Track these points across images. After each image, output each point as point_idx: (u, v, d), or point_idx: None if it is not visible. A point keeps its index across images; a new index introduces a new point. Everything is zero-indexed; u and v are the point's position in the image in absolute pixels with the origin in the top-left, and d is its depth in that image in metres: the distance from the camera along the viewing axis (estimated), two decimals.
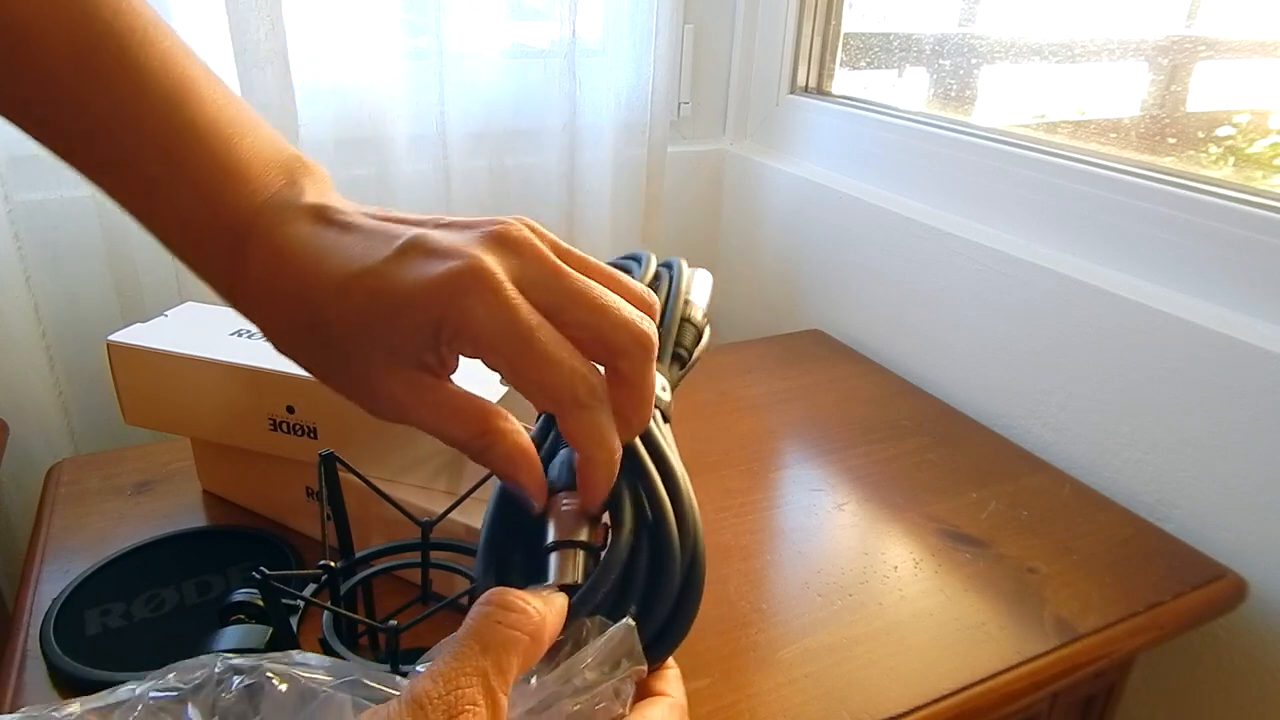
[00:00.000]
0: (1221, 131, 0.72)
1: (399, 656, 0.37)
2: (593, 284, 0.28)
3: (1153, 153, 0.76)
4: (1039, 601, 0.59)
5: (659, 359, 0.32)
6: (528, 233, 0.28)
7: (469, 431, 0.29)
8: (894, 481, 0.73)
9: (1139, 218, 0.73)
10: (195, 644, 0.40)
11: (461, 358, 0.30)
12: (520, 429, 0.30)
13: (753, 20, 1.16)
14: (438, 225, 0.29)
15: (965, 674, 0.53)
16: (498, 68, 0.97)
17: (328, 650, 0.40)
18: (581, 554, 0.30)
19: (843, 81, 1.11)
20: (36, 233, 0.84)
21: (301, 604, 0.42)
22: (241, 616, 0.42)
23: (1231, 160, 0.71)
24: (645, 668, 0.28)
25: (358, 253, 0.28)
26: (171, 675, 0.25)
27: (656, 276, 0.39)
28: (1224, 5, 0.73)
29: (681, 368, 0.37)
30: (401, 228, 0.29)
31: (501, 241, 0.28)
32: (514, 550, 0.32)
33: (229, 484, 0.67)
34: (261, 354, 0.59)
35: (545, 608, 0.26)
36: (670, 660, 0.31)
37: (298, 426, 0.58)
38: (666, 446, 0.32)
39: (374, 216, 0.30)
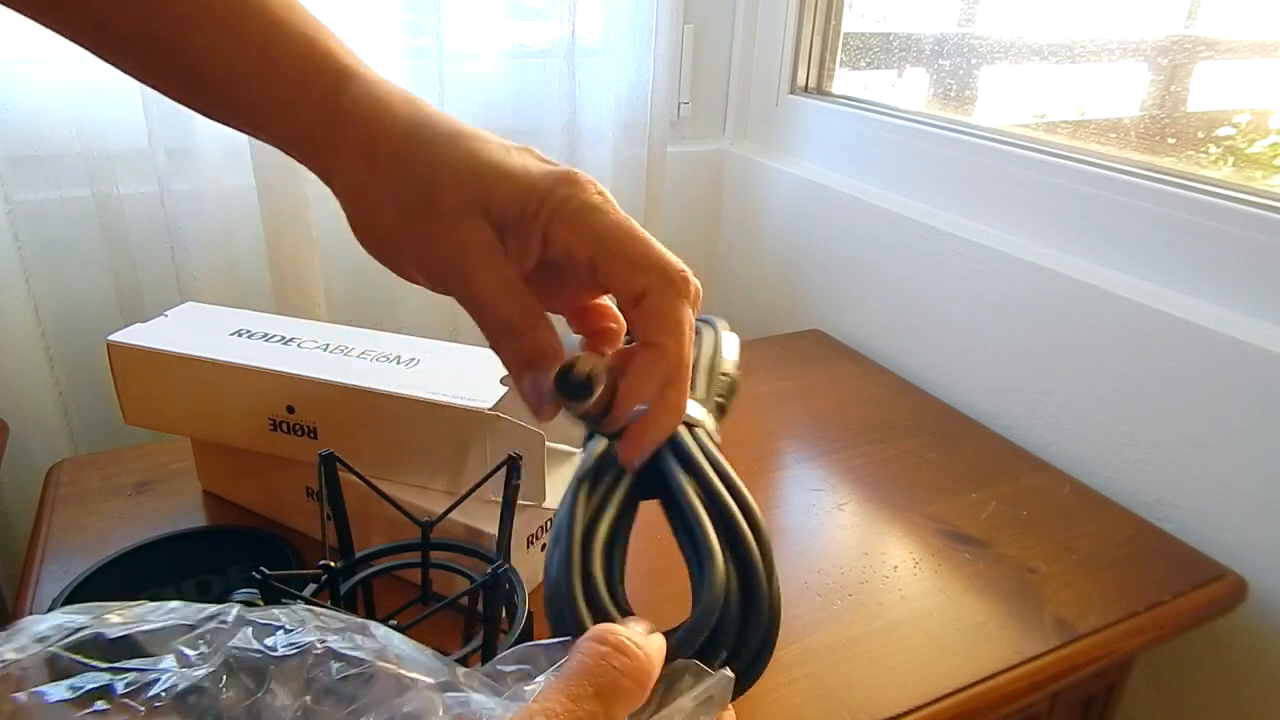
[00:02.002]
0: (1221, 131, 0.72)
1: None
2: None
3: (1152, 153, 0.76)
4: (1039, 601, 0.59)
5: (704, 404, 0.34)
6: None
7: (521, 305, 0.29)
8: (894, 481, 0.73)
9: (1139, 218, 0.73)
10: None
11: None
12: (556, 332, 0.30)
13: (753, 20, 1.16)
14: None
15: (965, 674, 0.53)
16: (498, 68, 0.97)
17: None
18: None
19: (843, 81, 1.11)
20: (36, 233, 0.84)
21: (301, 604, 0.42)
22: None
23: (1231, 160, 0.71)
24: (733, 715, 0.28)
25: (470, 125, 0.30)
26: (250, 631, 0.24)
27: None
28: (1224, 5, 0.73)
29: (720, 415, 0.38)
30: None
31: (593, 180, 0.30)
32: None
33: (229, 484, 0.67)
34: (261, 354, 0.59)
35: (653, 654, 0.26)
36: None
37: (298, 426, 0.58)
38: (744, 488, 0.33)
39: None
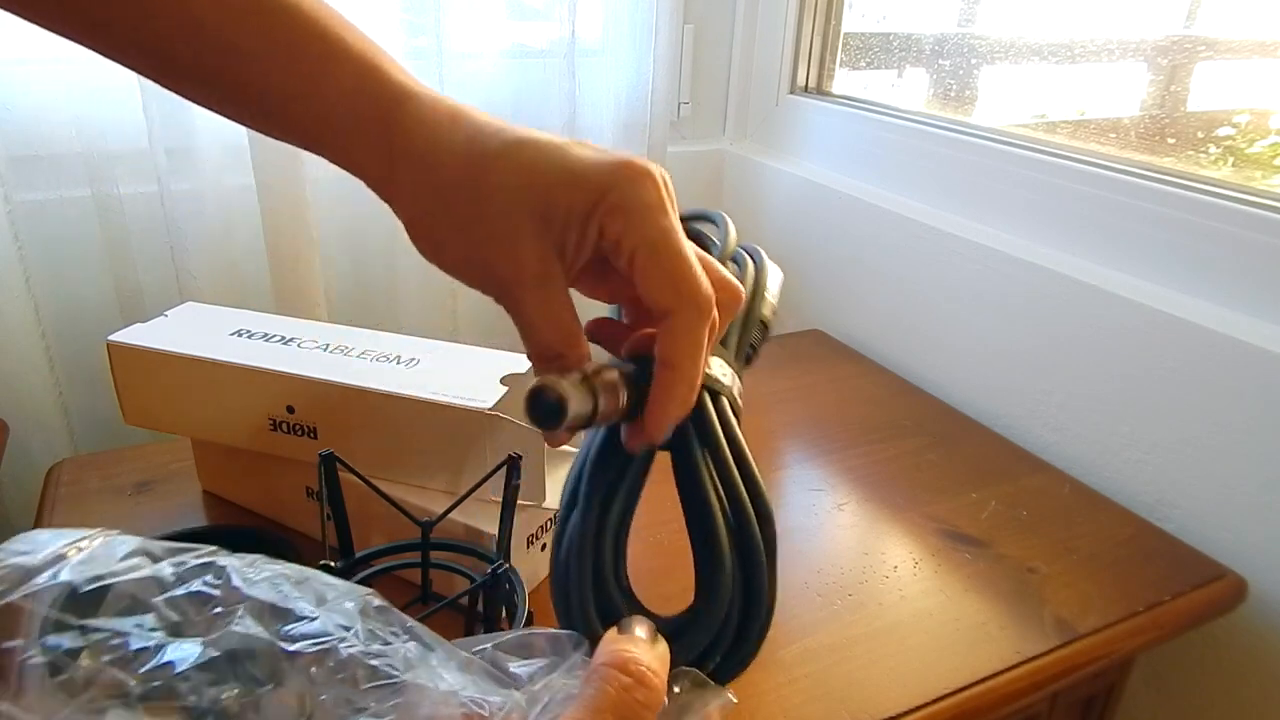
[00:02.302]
0: (1221, 131, 0.72)
1: None
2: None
3: (1152, 153, 0.76)
4: (1039, 601, 0.59)
5: (736, 355, 0.33)
6: (670, 183, 0.31)
7: (563, 332, 0.30)
8: (894, 481, 0.73)
9: (1139, 218, 0.73)
10: None
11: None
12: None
13: (753, 20, 1.16)
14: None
15: (965, 674, 0.53)
16: (498, 68, 0.97)
17: None
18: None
19: (843, 81, 1.11)
20: (36, 233, 0.84)
21: (318, 572, 0.42)
22: None
23: (1231, 160, 0.71)
24: None
25: (524, 130, 0.30)
26: (263, 612, 0.24)
27: (735, 260, 0.38)
28: (1224, 5, 0.73)
29: (745, 365, 0.37)
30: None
31: (659, 173, 0.30)
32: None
33: (229, 484, 0.67)
34: (261, 354, 0.59)
35: (663, 670, 0.26)
36: None
37: (298, 426, 0.58)
38: (758, 475, 0.33)
39: None
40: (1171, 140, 0.75)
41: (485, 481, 0.46)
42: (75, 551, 0.23)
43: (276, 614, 0.24)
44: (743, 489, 0.32)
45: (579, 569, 0.32)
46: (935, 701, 0.51)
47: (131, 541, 0.24)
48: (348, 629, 0.24)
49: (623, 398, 0.30)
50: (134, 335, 0.61)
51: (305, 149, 0.32)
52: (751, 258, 0.38)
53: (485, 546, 0.49)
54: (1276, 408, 0.62)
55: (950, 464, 0.76)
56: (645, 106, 1.06)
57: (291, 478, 0.61)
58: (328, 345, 0.60)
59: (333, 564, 0.42)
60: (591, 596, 0.31)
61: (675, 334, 0.30)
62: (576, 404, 0.28)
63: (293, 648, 0.23)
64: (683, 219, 0.32)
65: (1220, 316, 0.67)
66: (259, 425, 0.59)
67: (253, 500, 0.66)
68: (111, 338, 0.61)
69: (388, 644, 0.24)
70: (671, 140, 1.14)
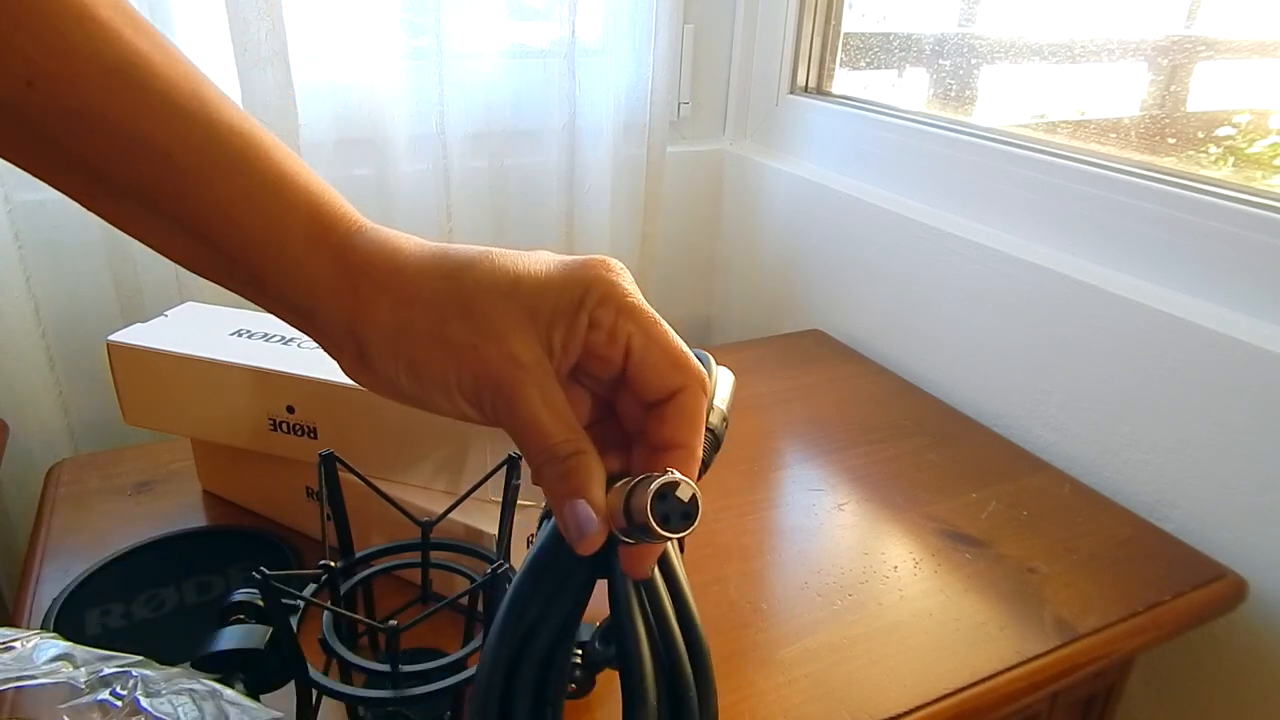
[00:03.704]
0: (1221, 131, 0.72)
1: (399, 656, 0.37)
2: None
3: (1153, 153, 0.76)
4: (1039, 601, 0.59)
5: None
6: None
7: (567, 429, 0.29)
8: (894, 481, 0.73)
9: (1139, 218, 0.73)
10: (195, 644, 0.40)
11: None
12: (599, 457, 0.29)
13: (753, 20, 1.16)
14: None
15: (965, 674, 0.53)
16: (498, 68, 0.97)
17: (328, 650, 0.40)
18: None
19: (843, 81, 1.11)
20: (36, 233, 0.84)
21: (301, 604, 0.42)
22: (241, 616, 0.42)
23: (1231, 160, 0.71)
24: None
25: (484, 247, 0.30)
26: None
27: None
28: (1224, 5, 0.73)
29: (697, 478, 0.36)
30: None
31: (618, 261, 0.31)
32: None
33: (229, 484, 0.67)
34: (261, 354, 0.59)
35: None
36: None
37: (298, 426, 0.58)
38: (694, 612, 0.30)
39: None
40: (1172, 140, 0.75)
41: (485, 481, 0.46)
42: (4, 650, 0.24)
43: None
44: (673, 621, 0.30)
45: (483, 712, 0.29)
46: (935, 701, 0.51)
47: (60, 646, 0.25)
48: None
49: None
50: (134, 335, 0.61)
51: (256, 295, 0.30)
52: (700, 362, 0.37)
53: (485, 546, 0.49)
54: (1276, 408, 0.62)
55: (950, 464, 0.76)
56: (645, 106, 1.06)
57: (291, 478, 0.61)
58: None
59: (333, 564, 0.42)
60: None
61: (685, 412, 0.29)
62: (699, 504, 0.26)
63: None
64: None
65: (1220, 316, 0.67)
66: (259, 425, 0.59)
67: (253, 500, 0.66)
68: (111, 338, 0.61)
69: None
70: (671, 140, 1.14)
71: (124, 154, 0.27)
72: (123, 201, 0.29)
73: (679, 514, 0.26)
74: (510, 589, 0.31)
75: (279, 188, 0.29)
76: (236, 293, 0.31)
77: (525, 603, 0.30)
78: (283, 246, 0.29)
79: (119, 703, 0.24)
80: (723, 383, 0.37)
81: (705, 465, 0.34)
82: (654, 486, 0.25)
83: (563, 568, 0.30)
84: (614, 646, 0.30)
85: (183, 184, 0.28)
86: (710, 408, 0.34)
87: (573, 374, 0.30)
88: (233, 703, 0.26)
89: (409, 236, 0.31)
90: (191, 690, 0.25)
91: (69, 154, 0.27)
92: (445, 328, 0.29)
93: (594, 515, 0.28)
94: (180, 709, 0.25)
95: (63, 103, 0.26)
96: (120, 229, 0.30)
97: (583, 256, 0.29)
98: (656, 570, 0.31)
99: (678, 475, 0.26)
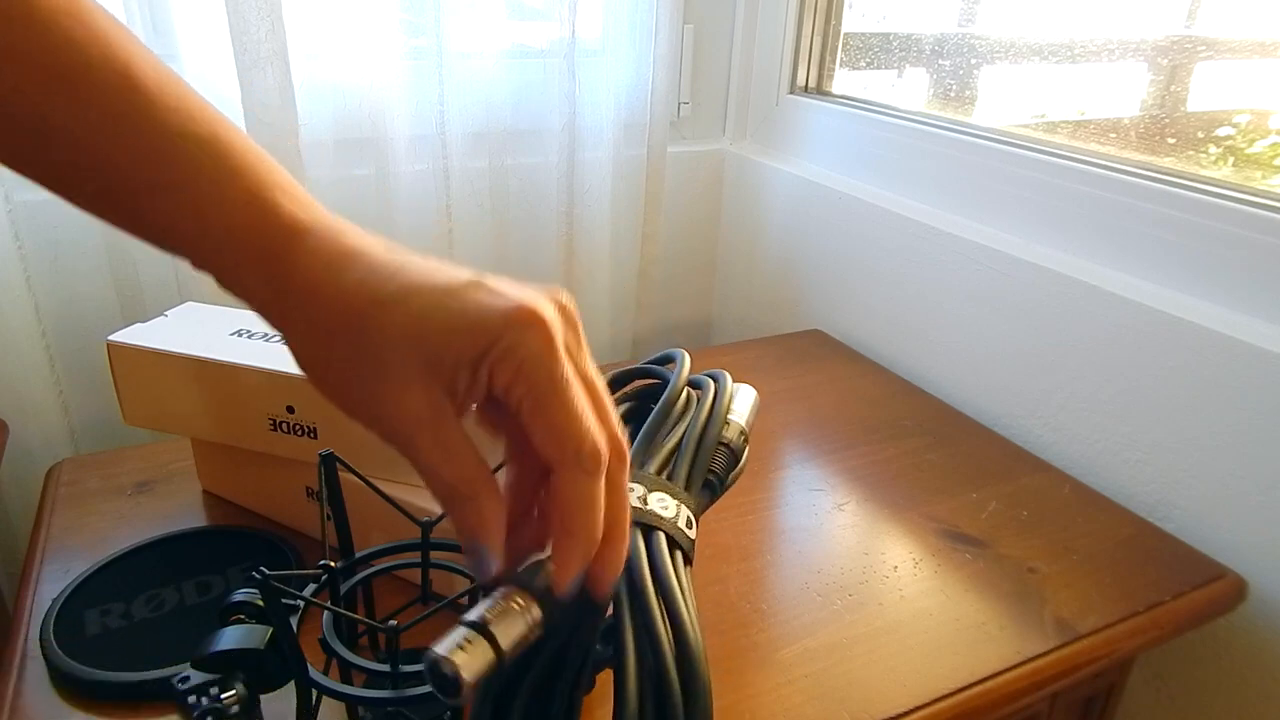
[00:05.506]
0: (1221, 131, 0.72)
1: (399, 656, 0.37)
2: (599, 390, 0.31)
3: (1152, 153, 0.76)
4: (1039, 601, 0.59)
5: (688, 488, 0.31)
6: (573, 312, 0.31)
7: (462, 474, 0.29)
8: (894, 481, 0.73)
9: (1139, 218, 0.73)
10: (195, 644, 0.40)
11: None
12: (502, 500, 0.30)
13: (753, 20, 1.16)
14: (492, 278, 0.31)
15: (965, 674, 0.53)
16: (498, 68, 0.97)
17: (328, 650, 0.40)
18: (484, 641, 0.27)
19: (843, 81, 1.11)
20: (36, 233, 0.84)
21: (301, 604, 0.42)
22: (241, 616, 0.42)
23: (1231, 160, 0.71)
24: None
25: (419, 272, 0.29)
26: None
27: (697, 385, 0.37)
28: (1224, 5, 0.73)
29: (713, 496, 0.34)
30: (461, 269, 0.30)
31: (558, 307, 0.30)
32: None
33: (229, 484, 0.67)
34: (261, 354, 0.59)
35: None
36: None
37: (298, 426, 0.58)
38: (683, 602, 0.30)
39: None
40: (1171, 140, 0.75)
41: None
42: None
43: None
44: (663, 633, 0.29)
45: None
46: (935, 701, 0.51)
47: None
48: None
49: (534, 612, 0.28)
50: (134, 335, 0.61)
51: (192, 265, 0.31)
52: (715, 381, 0.37)
53: None
54: (1276, 408, 0.62)
55: (950, 464, 0.76)
56: (645, 106, 1.06)
57: (291, 478, 0.61)
58: None
59: (333, 564, 0.42)
60: None
61: (558, 494, 0.29)
62: (478, 665, 0.26)
63: None
64: (646, 366, 0.31)
65: (1220, 316, 0.67)
66: (259, 425, 0.59)
67: (253, 500, 0.66)
68: (111, 338, 0.61)
69: None
70: (671, 140, 1.14)
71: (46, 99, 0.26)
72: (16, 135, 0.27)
73: (440, 683, 0.26)
74: None
75: (215, 178, 0.29)
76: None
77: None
78: (221, 256, 0.29)
79: None
80: (741, 399, 0.37)
81: (723, 483, 0.34)
82: (430, 652, 0.26)
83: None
84: (611, 647, 0.30)
85: (97, 161, 0.27)
86: (719, 424, 0.34)
87: (496, 401, 0.30)
88: None
89: (353, 250, 0.30)
90: None
91: None
92: (349, 363, 0.29)
93: (491, 558, 0.29)
94: None
95: None
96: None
97: (516, 301, 0.29)
98: (648, 577, 0.30)
99: (441, 651, 0.26)
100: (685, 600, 0.30)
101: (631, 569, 0.30)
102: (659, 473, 0.32)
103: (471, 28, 0.94)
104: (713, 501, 0.34)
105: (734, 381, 0.36)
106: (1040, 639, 0.56)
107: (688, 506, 0.32)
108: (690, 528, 0.32)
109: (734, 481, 0.35)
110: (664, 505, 0.32)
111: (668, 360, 0.36)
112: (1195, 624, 0.63)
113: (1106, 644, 0.57)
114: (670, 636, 0.29)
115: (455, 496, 0.29)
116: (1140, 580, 0.62)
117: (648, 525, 0.31)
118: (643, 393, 0.36)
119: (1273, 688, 0.66)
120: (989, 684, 0.53)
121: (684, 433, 0.34)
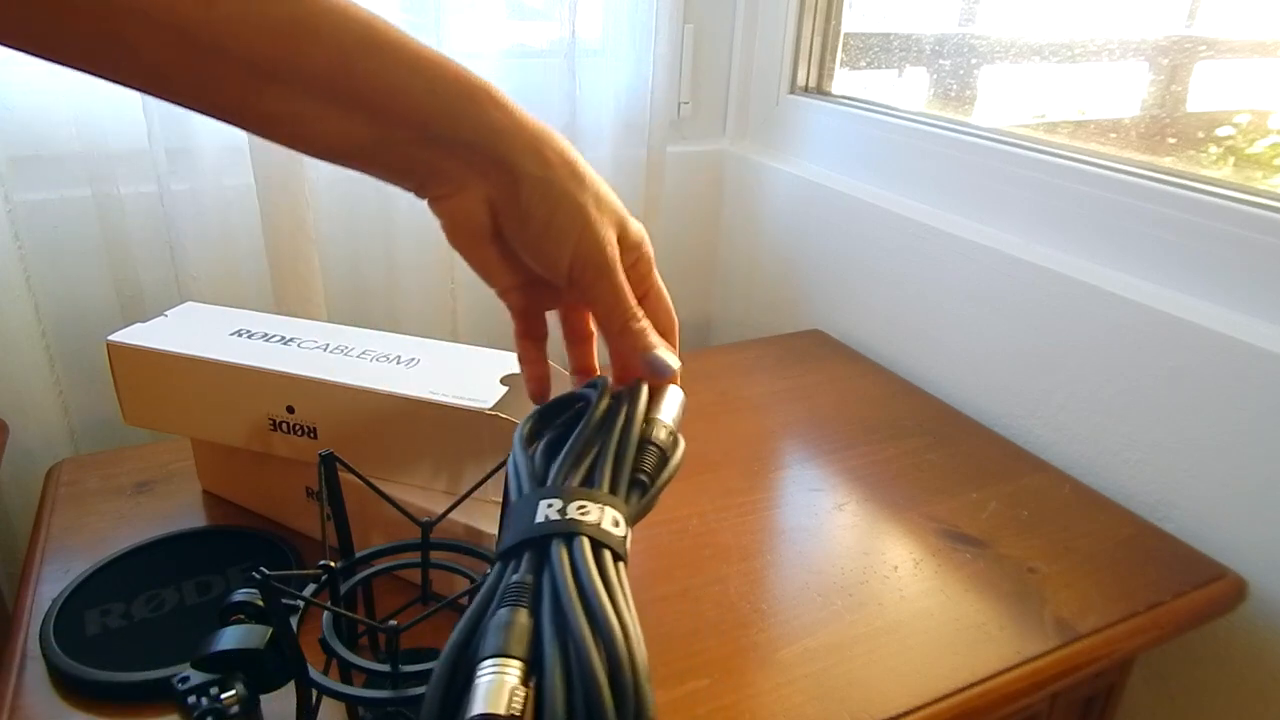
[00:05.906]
0: (1221, 131, 0.72)
1: (399, 656, 0.37)
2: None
3: (1153, 153, 0.76)
4: (1039, 601, 0.59)
5: (614, 491, 0.32)
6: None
7: (633, 306, 0.38)
8: (894, 481, 0.73)
9: (1139, 218, 0.73)
10: (195, 644, 0.40)
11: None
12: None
13: (753, 20, 1.16)
14: None
15: (965, 674, 0.53)
16: (498, 68, 0.97)
17: (328, 650, 0.40)
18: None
19: (843, 81, 1.11)
20: (36, 233, 0.84)
21: (301, 604, 0.42)
22: (241, 616, 0.42)
23: (1231, 160, 0.71)
24: None
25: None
26: None
27: (616, 397, 0.37)
28: (1224, 5, 0.73)
29: (643, 495, 0.33)
30: None
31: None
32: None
33: (229, 484, 0.67)
34: (261, 354, 0.59)
35: None
36: None
37: (298, 426, 0.58)
38: (606, 599, 0.28)
39: None
40: (1172, 140, 0.75)
41: (485, 481, 0.46)
42: None
43: None
44: (589, 641, 0.27)
45: None
46: (935, 701, 0.51)
47: None
48: None
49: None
50: (134, 335, 0.61)
51: (403, 143, 0.35)
52: (629, 390, 0.37)
53: (485, 546, 0.49)
54: (1276, 408, 0.62)
55: (950, 464, 0.76)
56: (645, 106, 1.06)
57: (291, 478, 0.61)
58: (328, 345, 0.61)
59: (332, 564, 0.42)
60: None
61: (651, 303, 0.40)
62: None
63: None
64: (569, 397, 0.37)
65: (1220, 316, 0.67)
66: (259, 425, 0.59)
67: (253, 500, 0.66)
68: (111, 338, 0.61)
69: None
70: (671, 140, 1.14)
71: (297, 47, 0.31)
72: (291, 98, 0.32)
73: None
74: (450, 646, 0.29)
75: (433, 59, 0.35)
76: (351, 165, 0.36)
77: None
78: (460, 98, 0.35)
79: None
80: (669, 400, 0.38)
81: (655, 482, 0.34)
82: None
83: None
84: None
85: (351, 64, 0.32)
86: (637, 424, 0.34)
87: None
88: None
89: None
90: None
91: (240, 60, 0.30)
92: (581, 196, 0.36)
93: (673, 357, 0.38)
94: None
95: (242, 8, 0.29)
96: (268, 134, 0.34)
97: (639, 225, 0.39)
98: (572, 591, 0.29)
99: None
100: (614, 597, 0.29)
101: (555, 577, 0.29)
102: (581, 484, 0.33)
103: (471, 28, 0.94)
104: (646, 501, 0.34)
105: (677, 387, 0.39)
106: (1040, 639, 0.56)
107: (613, 508, 0.32)
108: (617, 526, 0.31)
109: (669, 478, 0.35)
110: (583, 511, 0.31)
111: (591, 386, 0.38)
112: (1195, 624, 0.63)
113: (1106, 644, 0.57)
114: (595, 636, 0.28)
115: (636, 317, 0.38)
116: (1140, 580, 0.62)
117: (568, 534, 0.30)
118: (569, 420, 0.37)
119: (1273, 688, 0.66)
120: (989, 684, 0.53)
121: (601, 441, 0.34)
